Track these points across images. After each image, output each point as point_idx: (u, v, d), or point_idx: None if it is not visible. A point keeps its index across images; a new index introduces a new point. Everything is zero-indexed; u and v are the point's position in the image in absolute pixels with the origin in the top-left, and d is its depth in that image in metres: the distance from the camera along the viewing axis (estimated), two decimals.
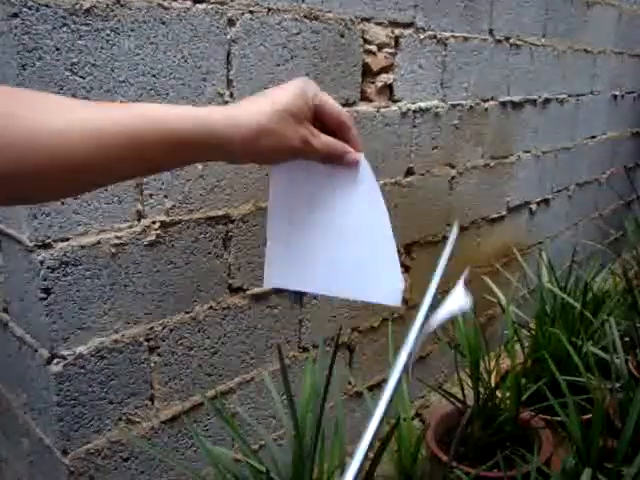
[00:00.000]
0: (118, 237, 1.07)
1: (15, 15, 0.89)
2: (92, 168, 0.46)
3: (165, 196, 1.13)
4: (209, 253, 1.22)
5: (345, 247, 0.61)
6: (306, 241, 0.61)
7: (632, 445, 1.21)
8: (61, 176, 0.45)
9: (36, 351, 1.06)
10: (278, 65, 1.27)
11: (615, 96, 2.90)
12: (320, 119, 0.57)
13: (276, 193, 0.62)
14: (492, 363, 1.58)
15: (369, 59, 1.48)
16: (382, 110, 1.55)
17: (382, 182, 1.60)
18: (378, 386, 1.72)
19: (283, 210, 0.62)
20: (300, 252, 0.62)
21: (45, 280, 0.99)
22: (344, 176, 0.60)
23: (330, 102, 0.57)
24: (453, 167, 1.87)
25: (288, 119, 0.52)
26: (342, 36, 1.40)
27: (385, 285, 0.61)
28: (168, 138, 0.48)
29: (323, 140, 0.56)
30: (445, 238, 1.90)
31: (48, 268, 0.99)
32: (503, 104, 2.05)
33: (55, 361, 1.03)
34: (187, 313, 1.21)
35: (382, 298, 0.61)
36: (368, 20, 1.46)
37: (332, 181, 0.61)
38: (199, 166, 1.16)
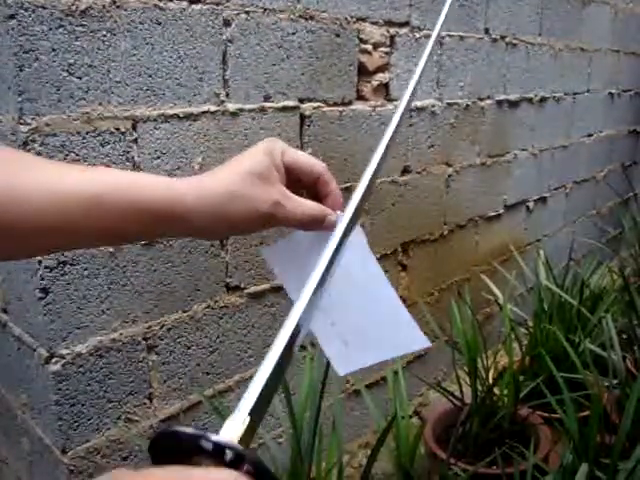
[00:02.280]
0: None
1: (12, 16, 0.89)
2: (49, 232, 0.44)
3: None
4: (206, 252, 1.23)
5: (359, 312, 0.56)
6: (340, 321, 0.56)
7: (629, 440, 1.22)
8: (26, 236, 0.43)
9: (35, 350, 1.07)
10: (274, 65, 1.28)
11: (612, 94, 2.91)
12: (294, 178, 0.53)
13: (288, 281, 0.57)
14: (490, 361, 1.58)
15: (365, 58, 1.49)
16: (378, 109, 1.56)
17: (379, 181, 1.60)
18: (376, 384, 1.72)
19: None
20: (342, 334, 0.57)
21: (43, 280, 0.99)
22: (323, 238, 0.53)
23: (301, 156, 0.53)
24: (450, 165, 1.88)
25: (257, 182, 0.49)
26: (338, 36, 1.41)
27: (405, 332, 0.57)
28: (132, 205, 0.45)
29: (297, 203, 0.51)
30: (442, 236, 1.91)
31: (46, 268, 0.99)
32: (499, 103, 2.06)
33: (54, 360, 1.03)
34: (185, 312, 1.21)
35: (410, 347, 0.57)
36: (363, 20, 1.47)
37: (316, 246, 0.54)
38: (195, 165, 1.16)
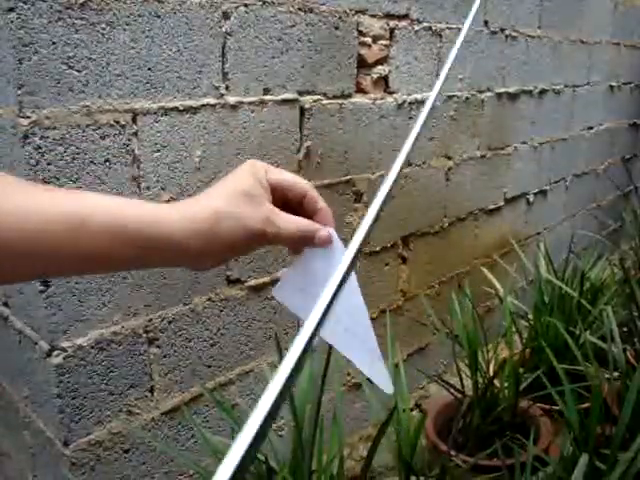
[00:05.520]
0: None
1: (11, 9, 0.89)
2: (35, 256, 0.42)
3: (162, 188, 1.13)
4: None
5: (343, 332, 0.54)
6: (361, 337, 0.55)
7: (629, 431, 1.22)
8: (11, 260, 0.42)
9: (36, 344, 1.07)
10: (273, 57, 1.28)
11: (612, 87, 2.91)
12: (280, 196, 0.52)
13: (305, 313, 0.55)
14: (490, 353, 1.58)
15: (364, 51, 1.49)
16: (378, 102, 1.56)
17: (379, 174, 1.60)
18: None
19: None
20: (371, 349, 0.55)
21: None
22: (322, 256, 0.53)
23: (285, 175, 0.52)
24: (450, 158, 1.87)
25: (244, 200, 0.48)
26: (337, 28, 1.40)
27: (377, 370, 0.56)
28: (117, 226, 0.44)
29: (287, 219, 0.50)
30: (443, 229, 1.91)
31: None
32: (499, 95, 2.05)
33: (55, 353, 1.03)
34: (185, 305, 1.21)
35: (378, 380, 0.56)
36: (363, 12, 1.46)
37: (318, 267, 0.54)
38: (195, 158, 1.16)
